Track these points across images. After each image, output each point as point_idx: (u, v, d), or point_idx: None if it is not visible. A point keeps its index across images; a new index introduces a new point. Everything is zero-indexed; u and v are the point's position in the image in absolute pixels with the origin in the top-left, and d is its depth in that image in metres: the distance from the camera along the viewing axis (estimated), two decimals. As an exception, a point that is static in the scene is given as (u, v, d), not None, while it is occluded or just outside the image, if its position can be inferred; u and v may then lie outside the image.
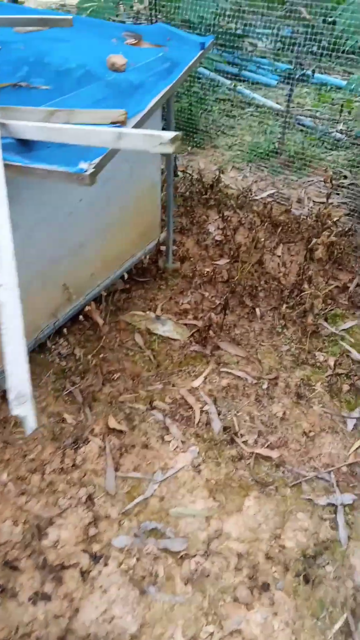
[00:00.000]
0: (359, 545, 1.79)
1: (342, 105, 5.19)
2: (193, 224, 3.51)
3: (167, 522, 1.81)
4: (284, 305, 2.73)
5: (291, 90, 4.28)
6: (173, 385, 2.30)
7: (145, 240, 2.79)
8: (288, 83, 4.48)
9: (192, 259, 3.18)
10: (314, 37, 3.92)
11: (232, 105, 5.55)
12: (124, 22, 5.15)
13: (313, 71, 5.74)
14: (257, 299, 2.87)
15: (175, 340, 2.57)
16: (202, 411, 2.17)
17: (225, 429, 2.12)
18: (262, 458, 2.01)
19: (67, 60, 2.00)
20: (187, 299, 2.85)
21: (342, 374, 2.41)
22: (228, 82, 5.81)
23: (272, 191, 3.97)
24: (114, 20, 4.16)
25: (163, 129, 2.51)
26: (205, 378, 2.35)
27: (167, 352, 2.48)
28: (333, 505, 1.89)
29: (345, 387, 2.34)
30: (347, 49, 3.90)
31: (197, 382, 2.32)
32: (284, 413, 2.21)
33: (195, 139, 4.66)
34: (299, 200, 3.84)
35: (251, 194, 3.84)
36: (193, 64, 2.39)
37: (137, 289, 2.90)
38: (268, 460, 2.01)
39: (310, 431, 2.13)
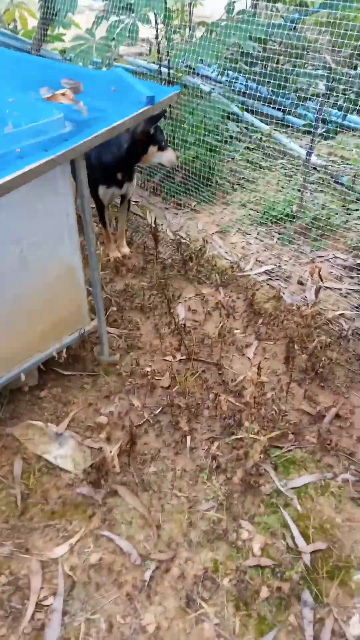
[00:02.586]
0: None
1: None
2: (162, 300, 2.94)
3: None
4: (219, 441, 2.07)
5: (312, 139, 3.61)
6: (27, 551, 1.71)
7: (63, 332, 2.25)
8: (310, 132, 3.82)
9: (140, 350, 2.59)
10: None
11: (264, 154, 4.95)
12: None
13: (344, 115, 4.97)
14: (198, 420, 2.22)
15: (65, 472, 1.98)
16: (41, 606, 1.56)
17: (61, 644, 1.49)
18: None
19: None
20: (110, 408, 2.26)
21: (265, 566, 1.70)
22: (265, 126, 5.23)
23: (270, 266, 3.30)
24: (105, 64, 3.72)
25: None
26: (75, 544, 1.73)
27: (45, 492, 1.90)
28: None
29: (264, 592, 1.63)
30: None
31: (60, 550, 1.71)
32: (158, 627, 1.54)
33: (204, 194, 4.09)
34: (301, 282, 3.14)
35: (239, 269, 3.20)
36: (117, 126, 1.86)
37: (53, 386, 2.35)
38: None
39: (182, 671, 1.45)
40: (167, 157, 2.97)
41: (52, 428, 2.13)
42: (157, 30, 3.57)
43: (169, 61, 3.72)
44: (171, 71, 4.15)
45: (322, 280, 2.55)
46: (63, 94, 2.03)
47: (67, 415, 2.22)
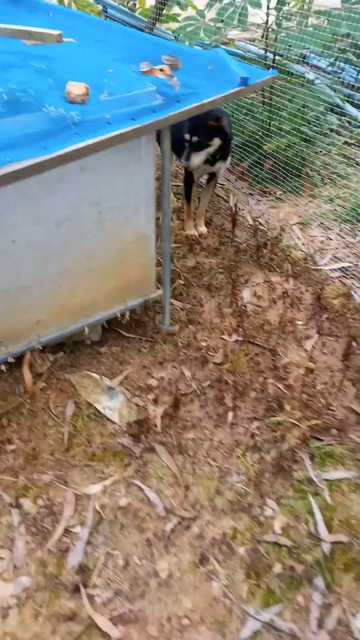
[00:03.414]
0: None
1: None
2: (229, 282, 3.00)
3: None
4: (258, 422, 2.11)
5: None
6: (65, 482, 1.88)
7: (128, 296, 2.38)
8: None
9: (199, 325, 2.68)
10: None
11: (362, 150, 4.76)
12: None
13: None
14: (243, 399, 2.27)
15: (111, 422, 2.13)
16: (69, 532, 1.72)
17: (81, 568, 1.63)
18: (99, 631, 1.50)
19: (18, 82, 1.71)
20: (161, 373, 2.38)
21: (283, 545, 1.73)
22: (368, 123, 5.01)
23: (347, 264, 3.23)
24: (208, 46, 3.76)
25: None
26: (109, 486, 1.88)
27: (90, 436, 2.06)
28: None
29: (277, 567, 1.68)
30: None
31: (94, 488, 1.87)
32: (170, 576, 1.64)
33: (291, 184, 4.05)
34: (376, 284, 3.05)
35: (313, 262, 3.17)
36: (206, 103, 1.93)
37: (113, 345, 2.51)
38: (105, 638, 1.49)
39: (184, 618, 1.54)
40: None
41: (106, 381, 2.29)
42: (267, 16, 3.56)
43: (274, 47, 3.71)
44: (277, 57, 4.13)
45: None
46: (161, 70, 2.13)
47: (122, 372, 2.36)
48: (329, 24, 3.24)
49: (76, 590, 1.58)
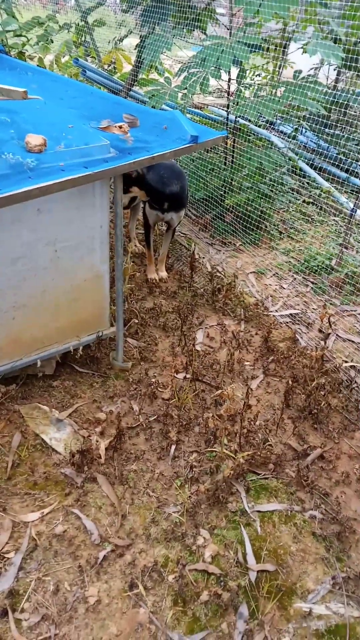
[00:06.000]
0: None
1: None
2: (185, 324, 3.14)
3: None
4: (198, 454, 2.20)
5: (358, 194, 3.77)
6: (4, 510, 1.91)
7: (82, 331, 2.50)
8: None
9: (152, 363, 2.80)
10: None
11: (319, 209, 5.13)
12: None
13: None
14: (187, 434, 2.36)
15: (56, 453, 2.19)
16: (2, 556, 1.74)
17: (11, 592, 1.66)
18: (22, 656, 1.51)
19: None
20: (111, 407, 2.47)
21: (212, 573, 1.79)
22: (327, 184, 5.42)
23: (296, 311, 3.43)
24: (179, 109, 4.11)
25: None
26: (47, 514, 1.92)
27: (33, 466, 2.11)
28: None
29: (204, 595, 1.72)
30: None
31: (33, 516, 1.90)
32: (98, 602, 1.67)
33: (250, 236, 4.32)
34: (321, 330, 3.24)
35: (264, 308, 3.36)
36: (156, 157, 2.14)
37: (66, 379, 2.59)
38: (26, 663, 1.50)
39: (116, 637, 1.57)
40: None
41: (54, 413, 2.36)
42: (228, 87, 3.93)
43: (233, 112, 4.07)
44: (242, 122, 4.53)
45: (330, 326, 2.65)
46: (120, 127, 2.36)
47: (72, 406, 2.44)
48: (279, 95, 3.60)
49: (4, 614, 1.60)
